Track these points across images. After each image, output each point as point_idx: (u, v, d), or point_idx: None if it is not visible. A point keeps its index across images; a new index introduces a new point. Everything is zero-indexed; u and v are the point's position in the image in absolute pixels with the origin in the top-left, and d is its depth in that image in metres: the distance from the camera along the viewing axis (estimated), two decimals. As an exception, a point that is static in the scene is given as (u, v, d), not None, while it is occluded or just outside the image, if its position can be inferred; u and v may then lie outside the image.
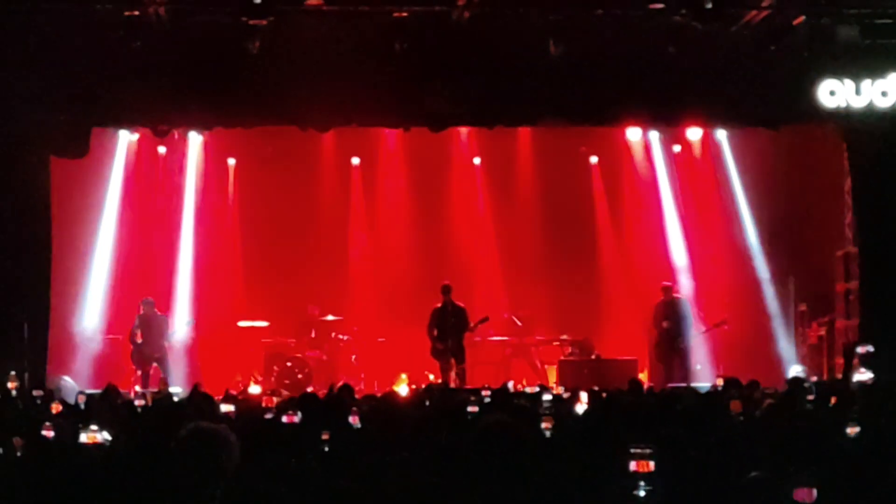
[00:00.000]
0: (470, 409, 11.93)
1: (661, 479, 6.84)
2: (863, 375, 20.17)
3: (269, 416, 11.32)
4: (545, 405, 13.73)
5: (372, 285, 26.50)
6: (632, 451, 6.49)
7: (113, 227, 25.09)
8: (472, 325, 23.53)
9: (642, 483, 6.52)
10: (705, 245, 25.96)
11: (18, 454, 8.92)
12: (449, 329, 23.42)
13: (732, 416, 11.91)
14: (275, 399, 12.70)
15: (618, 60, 21.17)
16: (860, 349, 20.98)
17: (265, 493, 5.33)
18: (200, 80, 20.85)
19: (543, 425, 9.59)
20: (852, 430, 9.47)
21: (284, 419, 10.10)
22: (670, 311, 23.89)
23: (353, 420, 10.58)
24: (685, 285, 25.25)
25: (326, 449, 8.87)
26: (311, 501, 6.21)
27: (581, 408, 14.19)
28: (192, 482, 6.11)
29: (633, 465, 6.49)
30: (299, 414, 10.09)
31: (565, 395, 15.84)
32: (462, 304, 23.74)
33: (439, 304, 23.66)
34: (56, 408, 13.95)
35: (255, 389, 22.55)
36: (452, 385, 22.31)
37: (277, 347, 25.13)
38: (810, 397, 13.76)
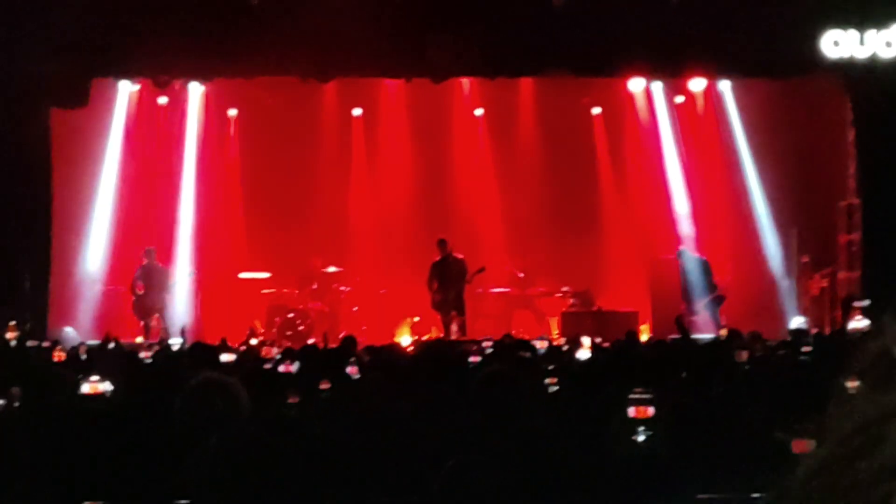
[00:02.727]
0: (471, 359, 11.94)
1: (662, 426, 6.83)
2: (859, 323, 20.17)
3: (267, 366, 11.34)
4: (542, 353, 13.74)
5: (374, 237, 26.48)
6: (630, 396, 6.45)
7: (114, 179, 25.04)
8: (469, 275, 23.56)
9: (642, 428, 6.49)
10: (708, 196, 25.91)
11: (17, 404, 8.91)
12: (449, 281, 23.45)
13: (738, 364, 11.90)
14: (274, 349, 12.71)
15: (620, 10, 21.09)
16: (857, 304, 20.97)
17: (260, 440, 5.32)
18: (201, 30, 20.80)
19: (548, 381, 9.56)
20: (852, 384, 9.42)
21: (281, 368, 10.11)
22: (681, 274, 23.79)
23: (352, 371, 10.58)
24: (687, 237, 25.20)
25: (324, 398, 8.88)
26: (307, 450, 6.21)
27: (584, 353, 14.18)
28: (195, 431, 6.10)
29: (631, 411, 6.45)
30: (296, 363, 10.09)
31: (565, 348, 15.82)
32: (461, 256, 23.75)
33: (438, 258, 23.69)
34: (59, 356, 14.01)
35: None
36: (454, 337, 22.34)
37: (279, 299, 25.14)
38: (807, 349, 13.74)
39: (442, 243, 23.76)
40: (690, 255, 23.90)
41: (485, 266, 24.00)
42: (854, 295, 21.69)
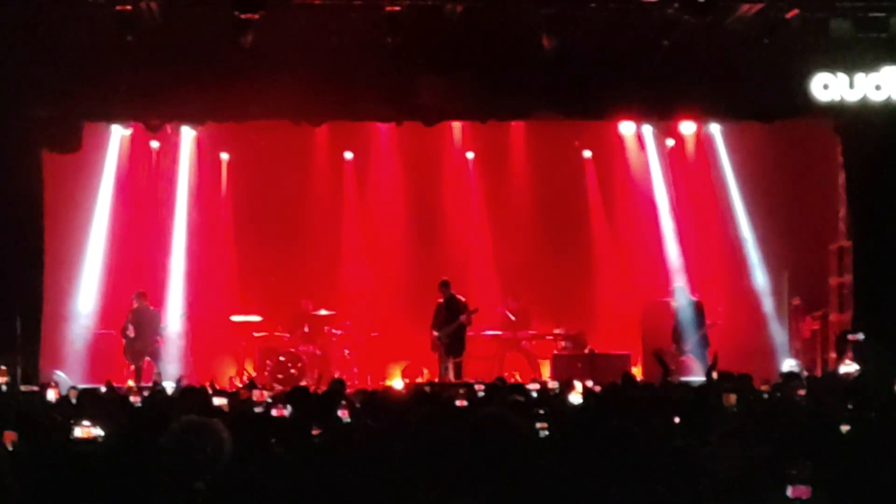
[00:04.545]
0: (458, 402, 11.93)
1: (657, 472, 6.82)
2: (848, 367, 20.21)
3: (258, 409, 11.31)
4: (535, 397, 13.72)
5: (365, 280, 26.47)
6: None
7: (106, 222, 25.03)
8: (461, 318, 23.46)
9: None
10: (699, 239, 25.93)
11: (10, 448, 8.90)
12: (447, 323, 23.41)
13: (726, 408, 11.89)
14: (266, 393, 12.69)
15: (611, 54, 21.15)
16: (851, 337, 21.03)
17: (251, 485, 5.33)
18: (193, 74, 20.83)
19: (538, 425, 9.54)
20: (844, 428, 9.45)
21: (274, 412, 10.08)
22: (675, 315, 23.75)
23: (343, 414, 10.56)
24: (679, 280, 25.20)
25: (315, 442, 8.86)
26: (298, 494, 6.20)
27: (575, 398, 14.16)
28: (182, 475, 6.10)
29: None
30: (288, 407, 10.07)
31: (557, 391, 15.79)
32: (462, 299, 23.67)
33: (441, 300, 23.63)
34: (56, 394, 14.05)
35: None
36: (448, 379, 22.28)
37: (270, 342, 25.09)
38: (801, 392, 13.75)
39: (444, 285, 23.71)
40: (685, 295, 23.88)
41: (477, 308, 23.95)
42: (848, 330, 21.74)
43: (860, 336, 21.06)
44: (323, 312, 25.33)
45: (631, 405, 11.39)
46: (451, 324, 23.38)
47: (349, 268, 26.66)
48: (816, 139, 23.48)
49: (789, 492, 6.11)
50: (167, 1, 19.97)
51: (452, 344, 23.38)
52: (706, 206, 26.05)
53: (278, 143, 25.18)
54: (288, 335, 25.18)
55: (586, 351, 24.53)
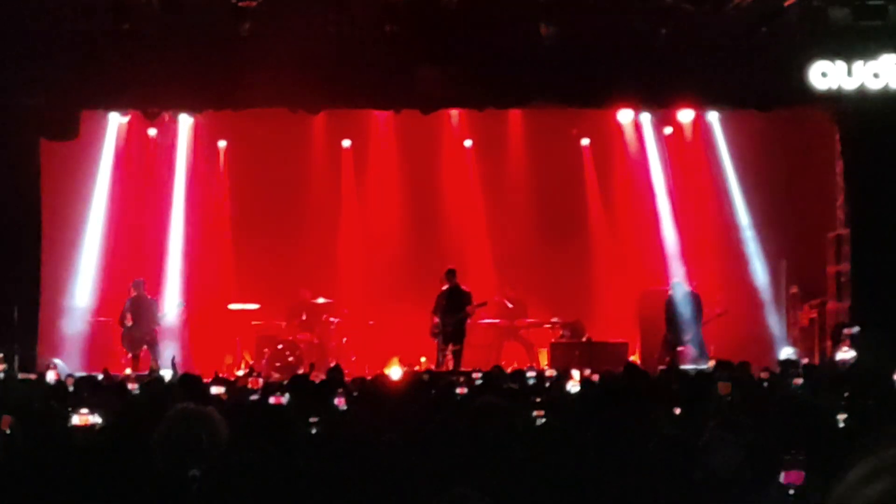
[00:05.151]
0: (458, 390, 11.94)
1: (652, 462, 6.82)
2: (845, 354, 20.23)
3: (254, 397, 11.29)
4: (532, 385, 13.72)
5: (363, 268, 26.46)
6: None
7: (103, 210, 24.99)
8: (468, 309, 23.42)
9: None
10: (696, 228, 25.93)
11: (8, 432, 8.91)
12: (450, 311, 23.39)
13: (721, 397, 11.90)
14: (260, 380, 12.68)
15: (609, 42, 21.15)
16: (846, 331, 21.06)
17: (247, 472, 5.32)
18: (191, 62, 20.84)
19: (535, 413, 9.54)
20: (841, 417, 9.47)
21: (271, 400, 10.08)
22: (671, 306, 23.71)
23: (339, 402, 10.56)
24: (676, 269, 25.20)
25: (314, 431, 8.86)
26: (294, 482, 6.20)
27: (573, 386, 14.16)
28: (178, 462, 6.10)
29: None
30: (286, 395, 10.06)
31: (554, 380, 15.79)
32: (467, 289, 23.60)
33: (445, 287, 23.58)
34: (55, 375, 14.04)
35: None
36: (447, 367, 22.28)
37: (268, 330, 25.09)
38: (798, 381, 13.76)
39: (450, 274, 23.68)
40: (682, 289, 23.84)
41: (486, 301, 23.93)
42: (844, 322, 21.75)
43: (855, 329, 21.08)
44: (321, 301, 25.32)
45: (629, 394, 11.39)
46: (454, 313, 23.32)
47: (347, 256, 26.66)
48: (814, 127, 23.47)
49: (782, 477, 6.11)
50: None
51: (452, 332, 23.37)
52: (704, 195, 26.03)
53: (276, 131, 25.15)
54: (285, 323, 25.19)
55: (584, 339, 24.53)
